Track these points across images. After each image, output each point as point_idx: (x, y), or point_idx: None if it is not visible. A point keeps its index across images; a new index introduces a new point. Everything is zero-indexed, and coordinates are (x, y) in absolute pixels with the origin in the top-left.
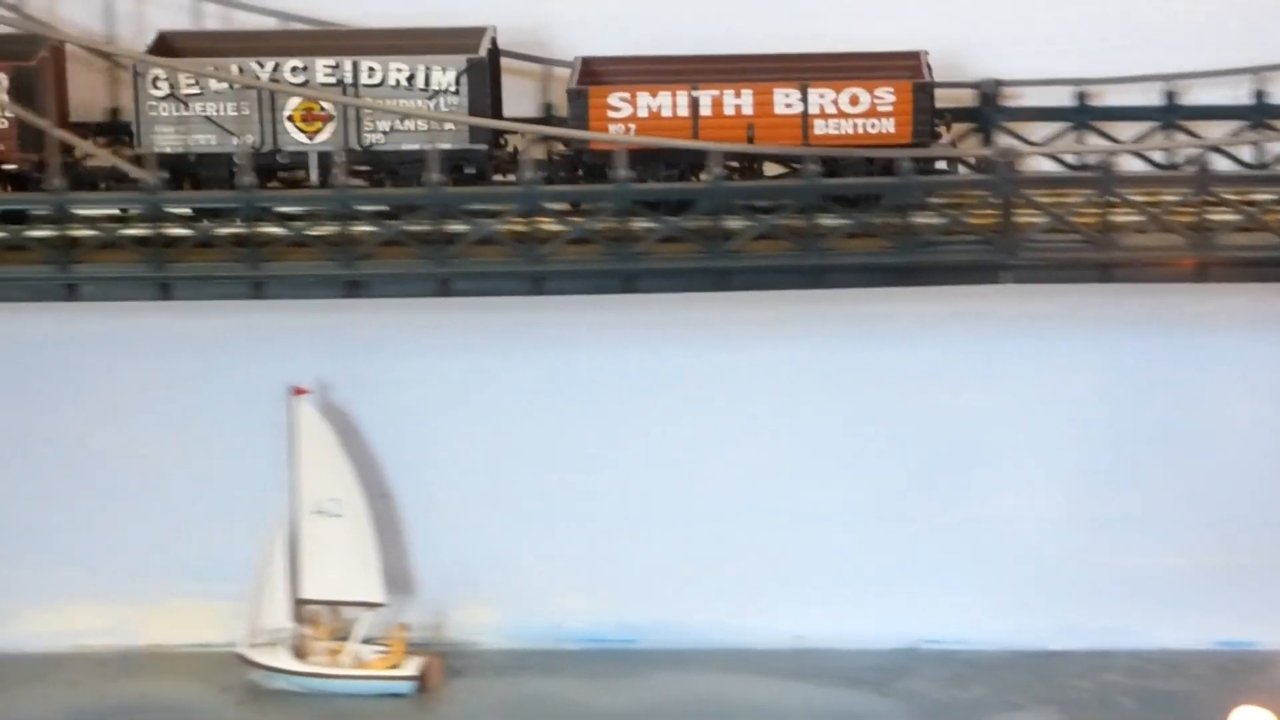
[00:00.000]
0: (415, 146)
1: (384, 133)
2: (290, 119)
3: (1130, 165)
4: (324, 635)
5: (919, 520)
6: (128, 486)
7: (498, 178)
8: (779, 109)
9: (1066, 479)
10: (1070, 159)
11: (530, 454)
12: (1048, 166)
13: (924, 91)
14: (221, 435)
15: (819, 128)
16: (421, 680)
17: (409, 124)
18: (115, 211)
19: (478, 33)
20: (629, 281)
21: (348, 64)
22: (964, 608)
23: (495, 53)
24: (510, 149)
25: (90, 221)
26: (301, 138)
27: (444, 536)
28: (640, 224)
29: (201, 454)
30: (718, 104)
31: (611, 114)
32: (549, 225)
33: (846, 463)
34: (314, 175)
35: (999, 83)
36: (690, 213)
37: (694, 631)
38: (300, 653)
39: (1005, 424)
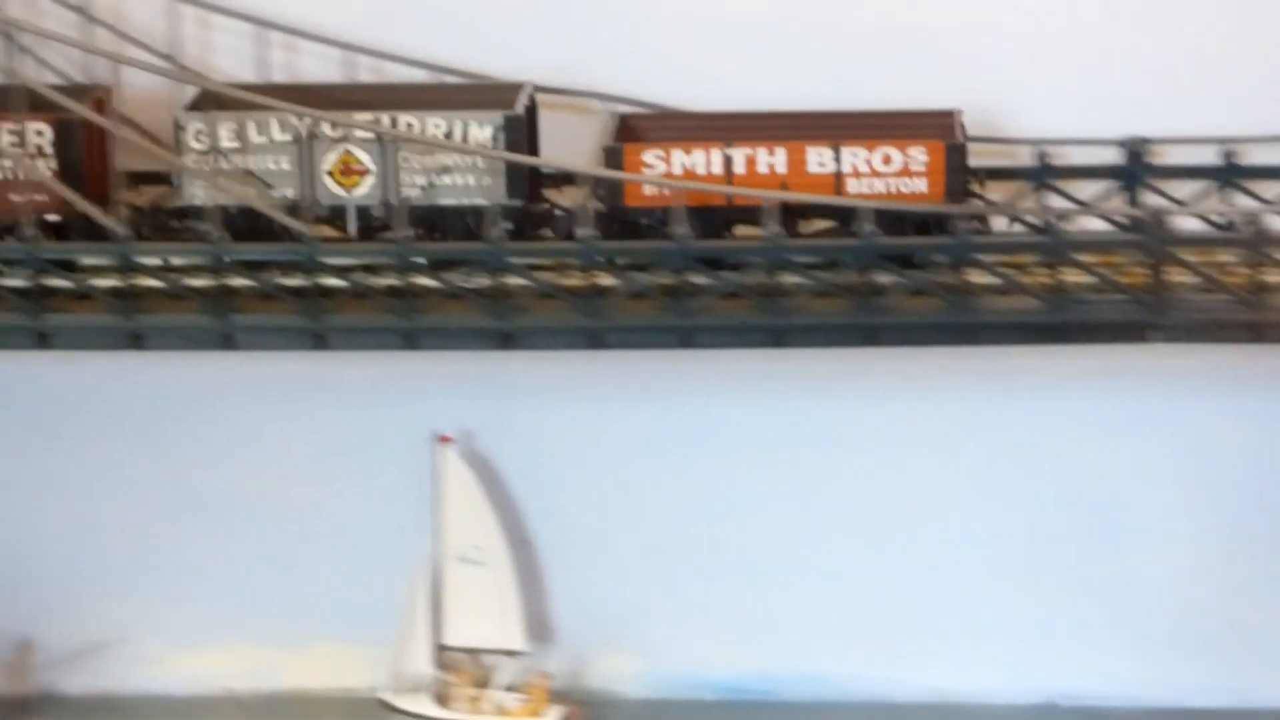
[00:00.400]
0: (452, 201)
1: (421, 187)
2: (329, 173)
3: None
4: (466, 682)
5: (1060, 575)
6: (274, 531)
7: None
8: (812, 168)
9: (1209, 536)
10: (1217, 218)
11: (672, 504)
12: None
13: (956, 151)
14: (367, 481)
15: (851, 186)
16: None
17: (446, 178)
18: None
19: (515, 88)
20: (778, 337)
21: (386, 119)
22: (1104, 663)
23: (533, 109)
24: (547, 205)
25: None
26: (340, 191)
27: (584, 585)
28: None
29: (347, 500)
30: (751, 162)
31: (646, 171)
32: (696, 280)
33: (989, 516)
34: (352, 228)
35: (1144, 140)
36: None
37: (833, 683)
38: (442, 699)
39: (1149, 479)
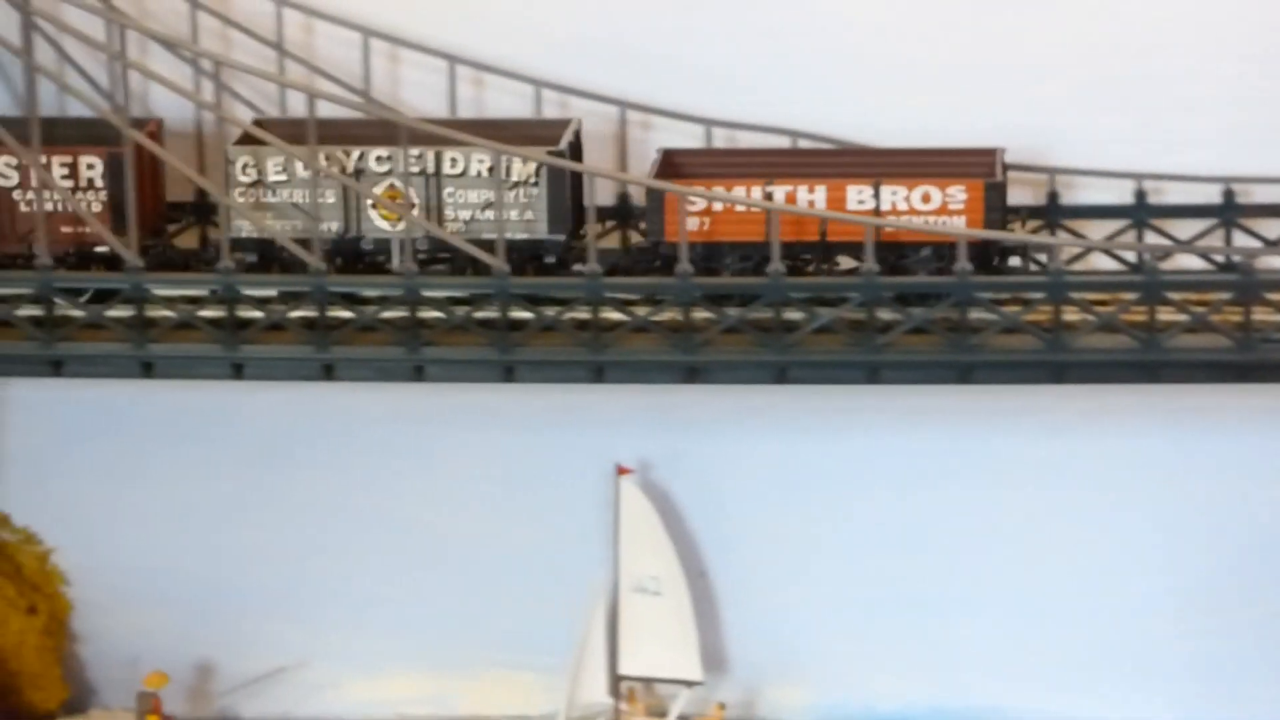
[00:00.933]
0: (491, 235)
1: (465, 221)
2: (373, 206)
3: None
4: (640, 711)
5: (1236, 613)
6: (451, 558)
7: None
8: (851, 205)
9: None
10: None
11: (846, 536)
12: None
13: (995, 190)
14: (545, 511)
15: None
16: None
17: (488, 213)
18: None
19: (563, 124)
20: (965, 373)
21: (430, 154)
22: (1272, 700)
23: (578, 145)
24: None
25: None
26: (384, 225)
27: (759, 616)
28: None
29: (525, 529)
30: (790, 199)
31: (687, 207)
32: (885, 315)
33: (1167, 553)
34: (396, 262)
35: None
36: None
37: (1001, 715)
38: None
39: None
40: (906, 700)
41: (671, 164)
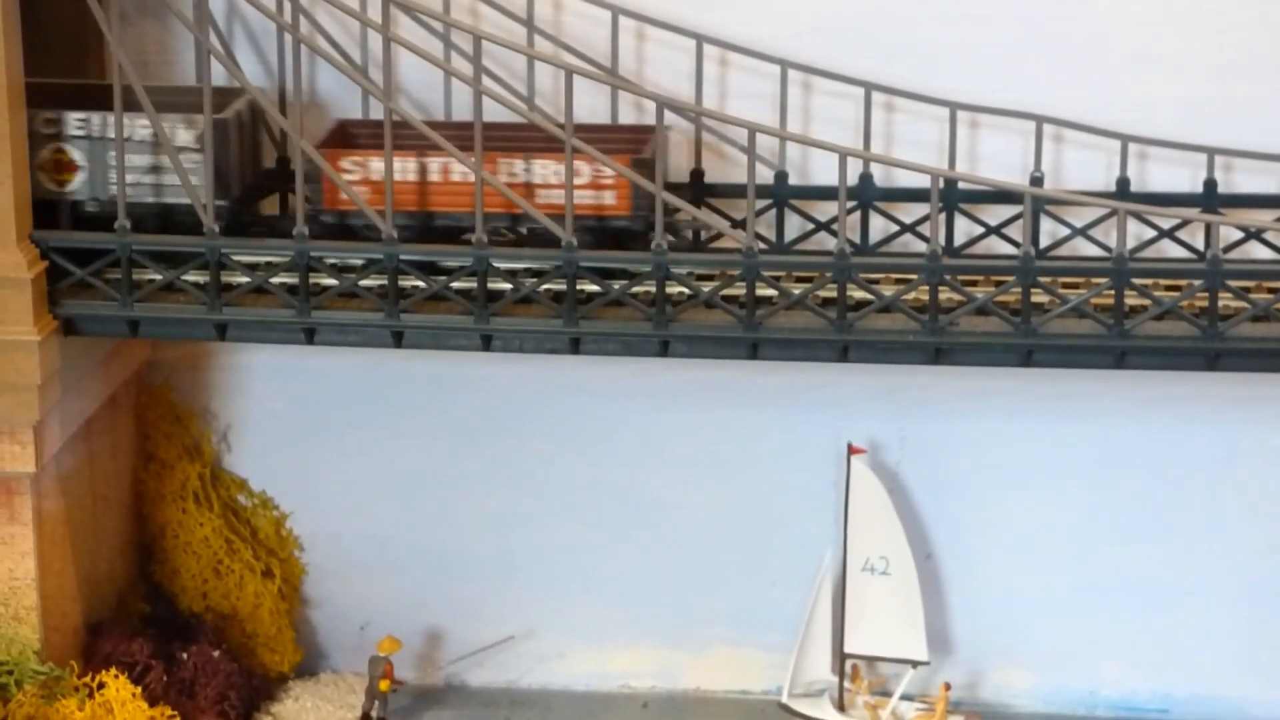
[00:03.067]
0: (153, 199)
1: (131, 185)
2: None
3: None
4: (864, 689)
5: None
6: (681, 533)
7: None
8: (503, 178)
9: None
10: None
11: (1077, 521)
12: None
13: (644, 166)
14: (776, 488)
15: (542, 197)
16: None
17: (151, 178)
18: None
19: (237, 93)
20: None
21: (96, 119)
22: None
23: (254, 114)
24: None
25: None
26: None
27: (985, 598)
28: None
29: (755, 505)
30: (445, 171)
31: (346, 176)
32: (1134, 301)
33: None
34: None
35: None
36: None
37: (1229, 705)
38: (841, 706)
39: None
40: (1131, 687)
41: (344, 133)
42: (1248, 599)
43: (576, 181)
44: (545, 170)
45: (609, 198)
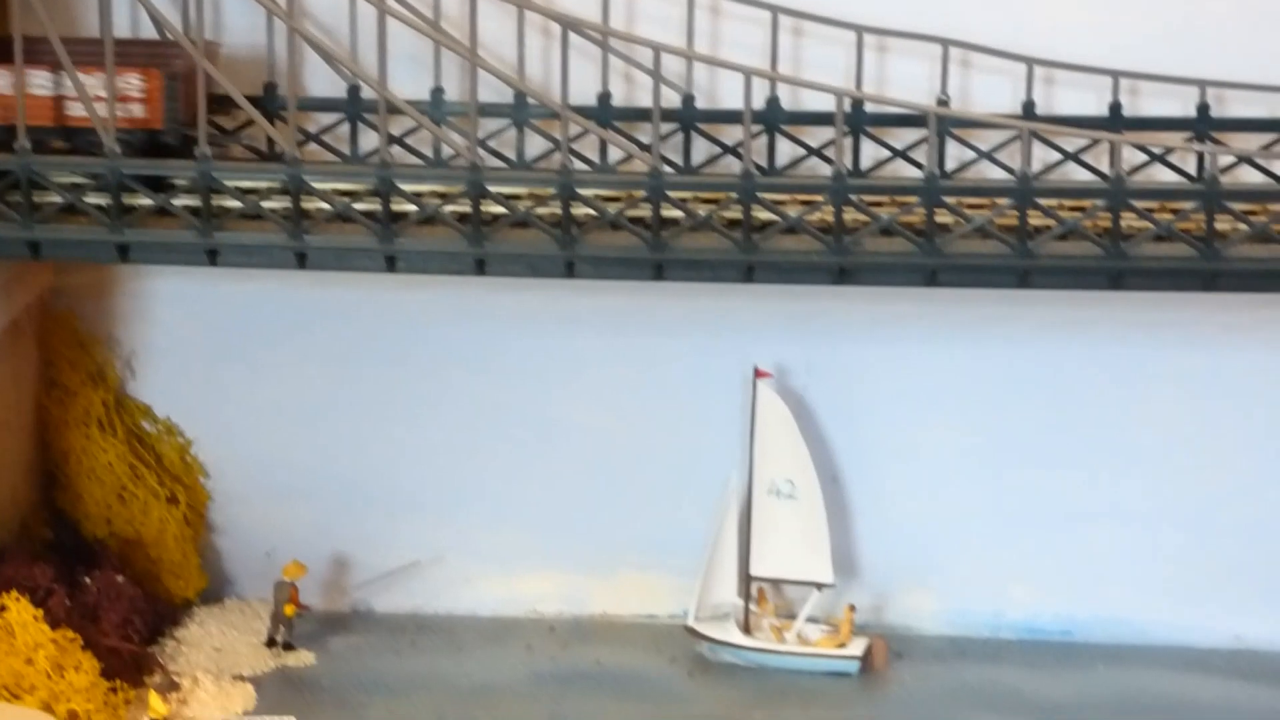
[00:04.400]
0: None
1: None
2: None
3: None
4: (769, 612)
5: None
6: (589, 459)
7: None
8: (34, 89)
9: None
10: None
11: (981, 445)
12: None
13: (174, 80)
14: (683, 413)
15: (72, 109)
16: (866, 661)
17: None
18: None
19: None
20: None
21: None
22: None
23: None
24: None
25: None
26: None
27: (890, 522)
28: None
29: (662, 431)
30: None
31: None
32: (1039, 221)
33: None
34: None
35: None
36: None
37: (1132, 627)
38: (747, 628)
39: None
40: (1035, 610)
41: None
42: (1151, 523)
43: (100, 94)
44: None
45: (138, 110)
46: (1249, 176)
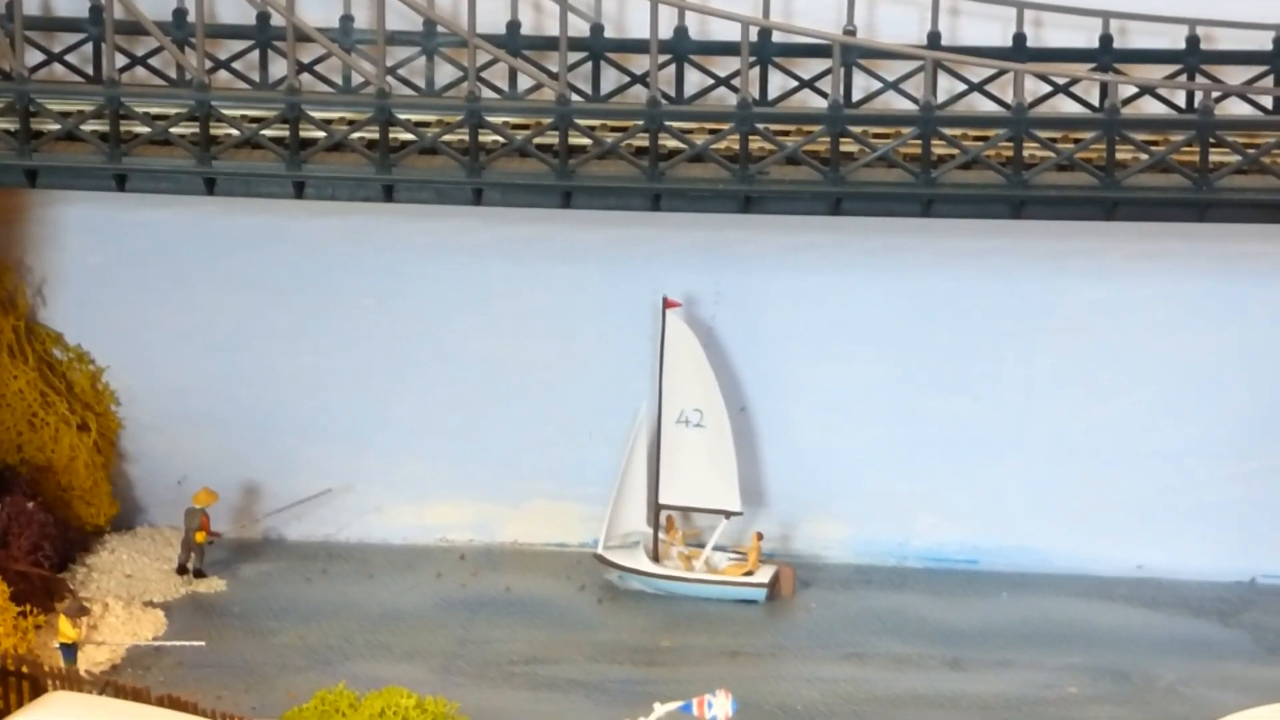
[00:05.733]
0: None
1: None
2: None
3: None
4: (678, 540)
5: (1268, 457)
6: (498, 388)
7: None
8: None
9: None
10: None
11: (888, 375)
12: None
13: None
14: (592, 343)
15: None
16: (773, 588)
17: None
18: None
19: None
20: (1016, 208)
21: None
22: None
23: None
24: None
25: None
26: None
27: (798, 451)
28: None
29: (572, 360)
30: None
31: None
32: (944, 150)
33: (1201, 397)
34: None
35: None
36: None
37: (1036, 556)
38: (656, 556)
39: None
40: (941, 539)
41: None
42: (1056, 453)
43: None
44: None
45: None
46: (1151, 107)
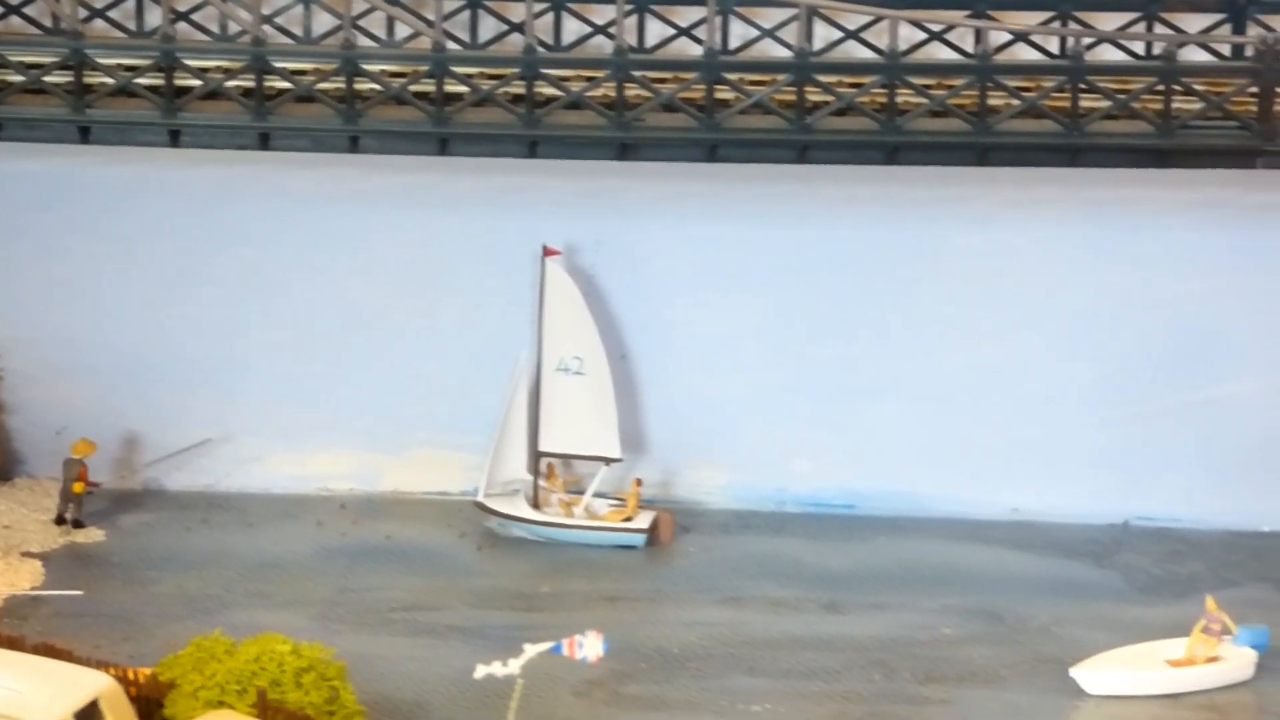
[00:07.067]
0: None
1: None
2: None
3: None
4: (558, 487)
5: (1143, 401)
6: (378, 337)
7: None
8: None
9: None
10: None
11: (769, 323)
12: None
13: None
14: (472, 291)
15: None
16: (653, 534)
17: None
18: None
19: None
20: (891, 154)
21: None
22: (1179, 488)
23: None
24: None
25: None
26: None
27: (678, 399)
28: None
29: (452, 309)
30: None
31: None
32: (819, 97)
33: (1078, 342)
34: None
35: None
36: None
37: (913, 501)
38: (536, 503)
39: (1237, 310)
40: (819, 484)
41: None
42: (932, 399)
43: None
44: None
45: None
46: (1026, 55)
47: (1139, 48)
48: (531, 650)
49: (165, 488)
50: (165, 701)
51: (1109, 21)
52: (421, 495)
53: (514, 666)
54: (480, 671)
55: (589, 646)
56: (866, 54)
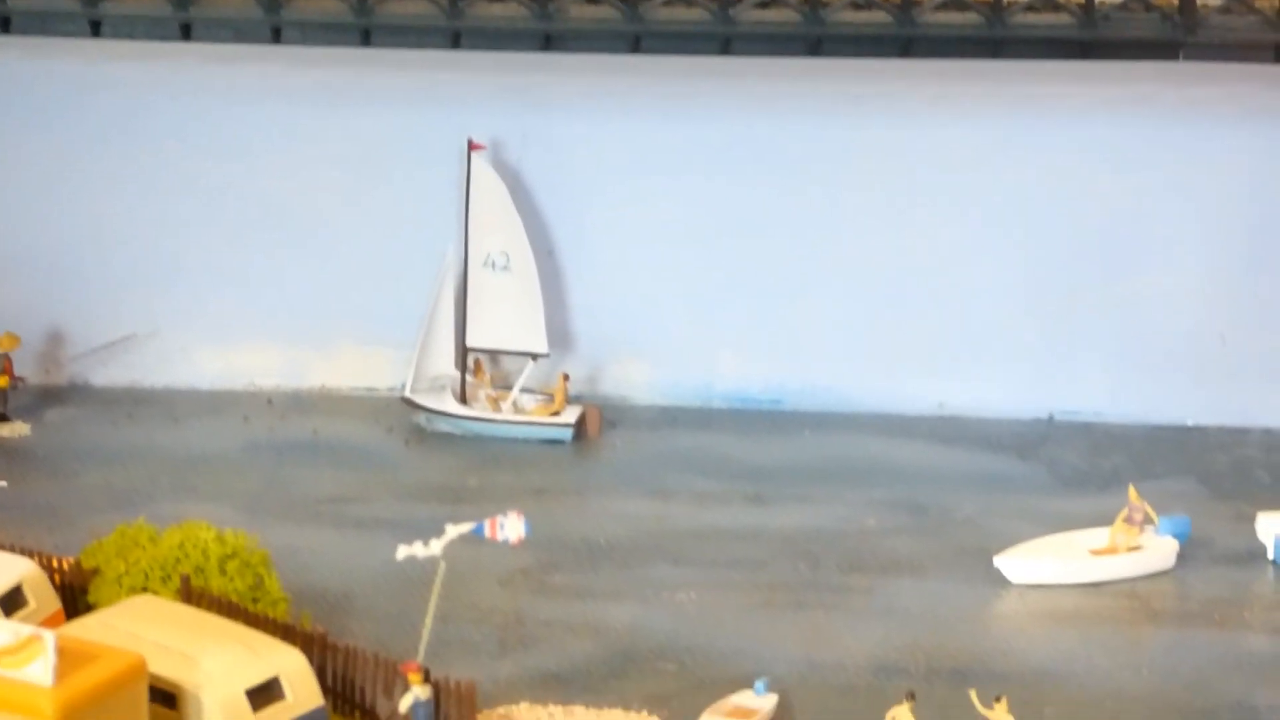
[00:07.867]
0: None
1: None
2: None
3: None
4: (486, 383)
5: (1066, 297)
6: (304, 233)
7: None
8: None
9: (1212, 261)
10: None
11: (694, 219)
12: None
13: None
14: (398, 187)
15: None
16: (580, 429)
17: None
18: None
19: None
20: (814, 46)
21: None
22: (1103, 383)
23: None
24: None
25: None
26: None
27: (605, 295)
28: None
29: (378, 204)
30: None
31: None
32: None
33: (1000, 238)
34: None
35: None
36: None
37: (839, 396)
38: (464, 398)
39: (1160, 206)
40: (745, 380)
41: None
42: (858, 294)
43: None
44: None
45: None
46: None
47: None
48: (453, 531)
49: (91, 383)
50: (89, 588)
51: None
52: (349, 391)
53: (435, 547)
54: (402, 552)
55: (510, 527)
56: None
